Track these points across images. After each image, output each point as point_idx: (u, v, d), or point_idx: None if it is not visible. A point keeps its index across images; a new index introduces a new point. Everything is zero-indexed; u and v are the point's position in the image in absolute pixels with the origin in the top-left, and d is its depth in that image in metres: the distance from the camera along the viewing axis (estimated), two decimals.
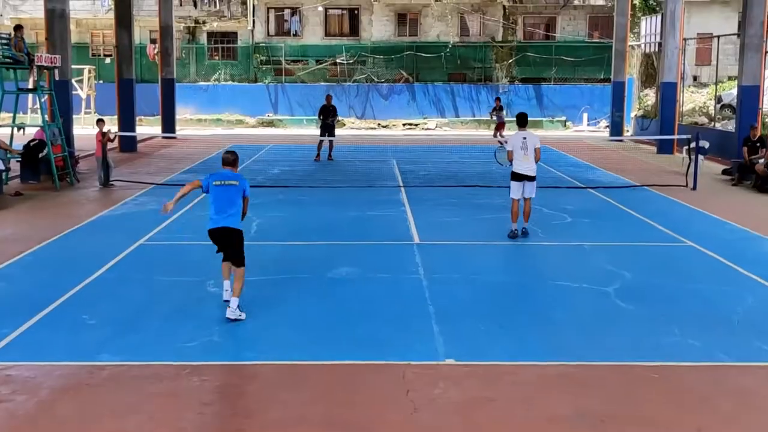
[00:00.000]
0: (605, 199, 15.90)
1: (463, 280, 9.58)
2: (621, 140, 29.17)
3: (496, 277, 9.81)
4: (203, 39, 39.47)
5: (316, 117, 23.40)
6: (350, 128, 36.28)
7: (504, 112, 26.56)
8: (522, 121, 11.87)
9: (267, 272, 9.88)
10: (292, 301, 8.72)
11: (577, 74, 38.11)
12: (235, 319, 7.93)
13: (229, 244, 8.25)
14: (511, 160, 11.73)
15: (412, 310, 8.37)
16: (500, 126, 26.29)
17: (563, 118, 36.88)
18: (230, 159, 8.43)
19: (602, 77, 37.19)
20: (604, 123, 35.71)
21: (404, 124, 36.97)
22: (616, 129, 30.37)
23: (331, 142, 22.37)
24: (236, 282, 8.13)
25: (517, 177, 11.71)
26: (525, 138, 11.62)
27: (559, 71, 38.11)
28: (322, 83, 38.24)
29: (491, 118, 26.34)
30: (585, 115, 36.61)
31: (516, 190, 11.76)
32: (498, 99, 27.04)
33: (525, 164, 11.61)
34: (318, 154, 22.36)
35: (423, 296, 8.86)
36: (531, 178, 11.70)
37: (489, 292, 9.13)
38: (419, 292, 9.00)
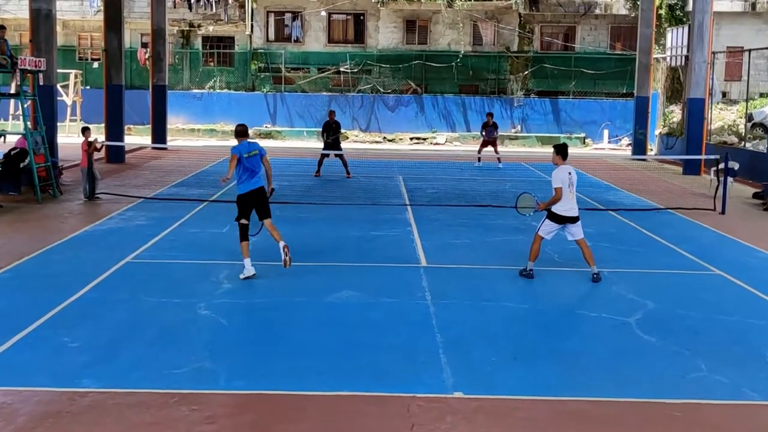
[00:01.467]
0: (627, 222, 15.91)
1: (474, 306, 9.58)
2: (644, 159, 29.22)
3: (509, 304, 9.80)
4: (198, 44, 39.73)
5: (320, 133, 23.59)
6: (354, 141, 36.39)
7: (497, 129, 26.49)
8: (565, 153, 10.89)
9: (262, 295, 9.89)
10: (288, 326, 8.72)
11: (598, 88, 38.26)
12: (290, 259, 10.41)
13: (263, 200, 10.81)
14: (556, 200, 10.59)
15: (419, 338, 8.36)
16: (487, 144, 26.12)
17: (582, 135, 36.98)
18: (245, 130, 11.05)
19: (624, 92, 37.33)
20: (626, 141, 35.79)
21: (411, 138, 37.10)
22: (639, 147, 30.43)
23: (342, 157, 22.45)
24: (275, 231, 10.71)
25: (559, 219, 10.77)
26: (570, 173, 10.76)
27: (578, 84, 38.27)
28: (325, 93, 38.44)
29: (482, 134, 26.39)
30: (606, 132, 36.71)
31: (550, 231, 10.84)
32: (490, 114, 26.99)
33: (570, 204, 10.71)
34: (318, 170, 22.45)
35: (430, 323, 8.85)
36: (575, 220, 10.83)
37: (501, 320, 9.12)
38: (426, 319, 9.00)
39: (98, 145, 17.67)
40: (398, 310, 9.35)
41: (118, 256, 11.70)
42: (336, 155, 22.47)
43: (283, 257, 10.54)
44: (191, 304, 9.37)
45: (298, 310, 9.32)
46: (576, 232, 10.83)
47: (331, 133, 22.42)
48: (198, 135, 36.59)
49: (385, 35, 39.27)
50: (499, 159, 26.02)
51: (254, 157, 10.86)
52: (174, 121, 36.08)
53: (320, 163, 22.62)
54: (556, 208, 10.69)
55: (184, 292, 9.91)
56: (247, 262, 10.59)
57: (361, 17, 39.50)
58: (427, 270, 11.42)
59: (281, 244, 10.62)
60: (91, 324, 8.61)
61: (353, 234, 14.06)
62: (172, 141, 33.05)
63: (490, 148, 26.07)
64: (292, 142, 35.27)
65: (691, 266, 12.18)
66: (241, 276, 10.54)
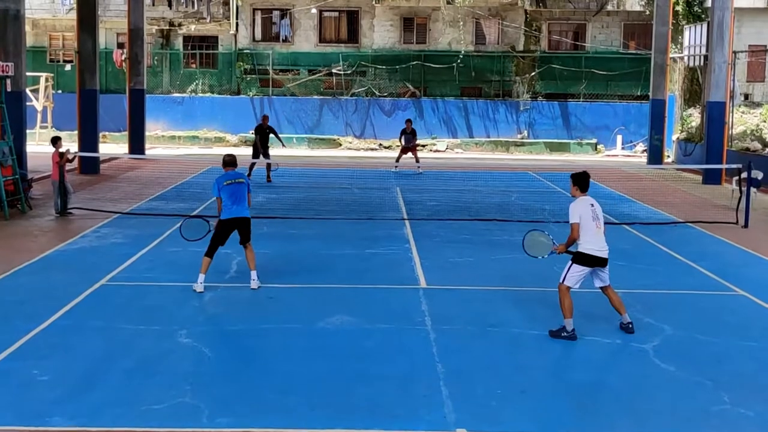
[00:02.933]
0: (642, 237, 15.91)
1: (478, 333, 9.56)
2: (661, 168, 29.26)
3: (516, 329, 9.77)
4: (178, 44, 39.79)
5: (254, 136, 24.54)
6: (347, 149, 36.42)
7: (415, 136, 26.71)
8: (585, 184, 9.66)
9: (248, 321, 9.86)
10: (277, 355, 8.69)
11: (610, 90, 38.34)
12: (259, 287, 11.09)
13: (246, 229, 11.40)
14: (574, 239, 9.43)
15: (418, 368, 8.33)
16: (406, 151, 26.42)
17: (594, 141, 37.03)
18: (232, 160, 11.65)
19: (639, 94, 37.42)
20: (641, 147, 35.85)
21: None
22: (655, 154, 30.48)
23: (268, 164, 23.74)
24: (252, 258, 11.38)
25: (589, 261, 9.42)
26: (593, 204, 9.52)
27: (590, 86, 38.35)
28: (316, 97, 38.48)
29: (400, 141, 26.74)
30: (619, 138, 36.76)
31: (579, 278, 9.47)
32: (409, 121, 27.18)
33: (600, 242, 9.42)
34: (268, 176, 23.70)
35: (430, 352, 8.83)
36: (605, 262, 9.52)
37: (508, 348, 9.10)
38: (426, 348, 8.97)
39: (70, 156, 17.65)
40: (396, 337, 9.32)
41: (91, 278, 11.66)
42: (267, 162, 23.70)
43: (251, 285, 11.32)
44: (171, 332, 9.33)
45: (287, 337, 9.29)
46: (605, 277, 9.68)
47: (265, 137, 23.79)
48: (179, 143, 36.59)
49: (380, 34, 39.37)
50: (419, 166, 26.42)
51: (237, 185, 11.35)
52: (153, 128, 36.08)
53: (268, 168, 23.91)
54: (586, 247, 9.38)
55: (163, 318, 9.87)
56: (201, 277, 11.15)
57: (355, 15, 39.58)
58: (427, 292, 11.40)
59: (253, 273, 11.39)
60: (62, 355, 8.57)
61: (347, 252, 14.04)
62: (151, 149, 33.03)
63: (410, 155, 26.58)
64: (281, 150, 35.23)
65: (713, 286, 12.17)
66: (195, 288, 11.11)
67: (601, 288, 9.79)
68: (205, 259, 11.24)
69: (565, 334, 9.40)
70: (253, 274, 11.39)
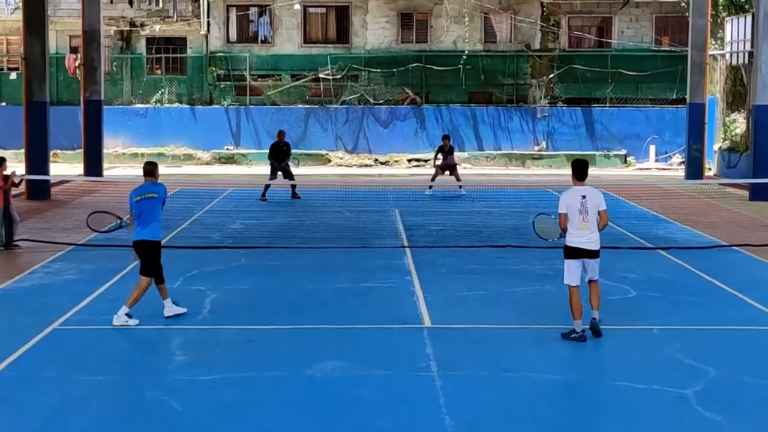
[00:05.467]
0: (681, 264, 15.93)
1: (492, 379, 9.56)
2: (701, 183, 29.30)
3: (536, 374, 9.76)
4: (141, 47, 39.93)
5: (268, 157, 25.49)
6: (337, 165, 36.48)
7: (453, 153, 26.84)
8: (581, 172, 11.08)
9: (224, 369, 9.84)
10: (258, 409, 8.68)
11: (641, 93, 38.50)
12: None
13: (149, 257, 11.53)
14: (564, 229, 11.01)
15: (422, 422, 8.32)
16: (444, 170, 26.48)
17: (623, 152, 37.15)
18: (149, 169, 11.95)
19: (674, 97, 37.53)
20: (677, 159, 35.95)
21: (410, 160, 37.24)
22: (694, 167, 30.53)
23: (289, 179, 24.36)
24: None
25: (574, 253, 10.91)
26: (585, 196, 10.90)
27: (617, 89, 38.50)
28: (300, 106, 38.61)
29: (435, 160, 26.91)
30: (652, 149, 36.88)
31: (574, 272, 10.94)
32: (447, 137, 27.14)
33: (585, 233, 10.83)
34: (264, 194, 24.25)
35: (436, 402, 8.81)
36: (593, 254, 10.94)
37: (526, 396, 9.09)
38: (431, 397, 8.95)
39: (16, 180, 17.66)
40: (396, 386, 9.31)
41: (42, 321, 11.62)
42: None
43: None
44: (136, 384, 9.33)
45: (270, 387, 9.28)
46: (594, 269, 11.04)
47: (283, 156, 24.56)
48: (142, 161, 36.41)
49: (375, 33, 39.55)
50: (460, 185, 26.35)
51: (145, 201, 11.61)
52: (112, 144, 36.16)
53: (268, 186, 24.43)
54: (569, 240, 10.94)
55: (126, 367, 9.87)
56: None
57: (345, 11, 39.74)
58: (432, 332, 11.38)
59: (165, 301, 11.76)
60: (8, 412, 8.56)
61: (338, 286, 14.02)
62: (110, 170, 33.08)
63: (446, 173, 26.60)
64: (261, 168, 35.30)
65: (763, 320, 12.18)
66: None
67: (588, 281, 11.05)
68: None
69: (574, 335, 10.75)
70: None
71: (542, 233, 11.90)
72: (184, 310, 11.81)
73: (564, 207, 10.90)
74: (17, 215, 17.58)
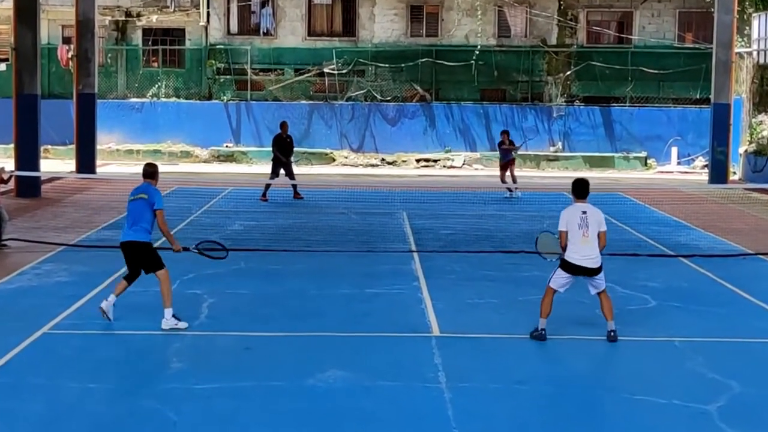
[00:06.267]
0: (703, 272, 15.90)
1: (503, 391, 9.55)
2: (726, 188, 29.24)
3: (550, 388, 9.76)
4: (137, 38, 39.98)
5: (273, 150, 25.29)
6: (342, 165, 36.47)
7: (516, 146, 26.96)
8: (582, 191, 11.46)
9: (222, 378, 9.83)
10: (257, 420, 8.68)
11: (663, 92, 38.45)
12: (172, 329, 11.30)
13: (137, 258, 11.75)
14: (564, 247, 11.30)
15: None
16: (505, 168, 26.54)
17: (643, 155, 37.11)
18: (147, 171, 12.08)
19: (698, 97, 37.49)
20: (700, 162, 35.89)
21: (419, 161, 37.22)
22: (719, 171, 30.44)
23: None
24: (162, 288, 11.57)
25: (572, 269, 11.28)
26: (585, 213, 11.27)
27: (637, 88, 38.46)
28: (304, 101, 38.62)
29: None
30: (674, 151, 36.82)
31: (562, 283, 11.42)
32: (506, 132, 27.18)
33: (585, 250, 11.17)
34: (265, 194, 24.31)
35: (445, 416, 8.81)
36: (593, 272, 11.28)
37: (539, 410, 9.09)
38: (440, 410, 8.94)
39: (5, 176, 17.71)
40: (403, 398, 9.29)
41: (31, 325, 11.61)
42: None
43: (163, 321, 11.55)
44: (129, 392, 9.33)
45: (269, 397, 9.27)
46: (599, 284, 11.37)
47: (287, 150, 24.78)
48: (137, 158, 36.61)
49: (382, 26, 39.55)
50: (514, 187, 26.27)
51: (137, 202, 11.76)
52: (106, 140, 36.22)
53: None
54: (569, 255, 11.24)
55: (119, 374, 9.87)
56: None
57: (352, 2, 39.77)
58: (441, 341, 11.37)
59: (166, 310, 11.63)
60: None
61: (342, 292, 14.01)
62: (104, 167, 33.10)
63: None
64: (261, 167, 35.33)
65: None
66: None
67: (597, 293, 11.45)
68: (122, 281, 12.09)
69: (535, 334, 11.35)
70: (166, 312, 11.57)
71: (543, 248, 11.93)
72: (185, 324, 11.65)
73: (564, 224, 11.28)
74: (6, 213, 17.59)
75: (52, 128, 32.81)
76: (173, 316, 11.51)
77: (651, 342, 11.53)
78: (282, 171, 24.60)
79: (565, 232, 11.22)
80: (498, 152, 27.06)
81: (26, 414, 8.74)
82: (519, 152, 28.47)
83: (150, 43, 40.01)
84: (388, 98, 38.69)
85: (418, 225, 20.72)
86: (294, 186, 24.72)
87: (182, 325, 11.48)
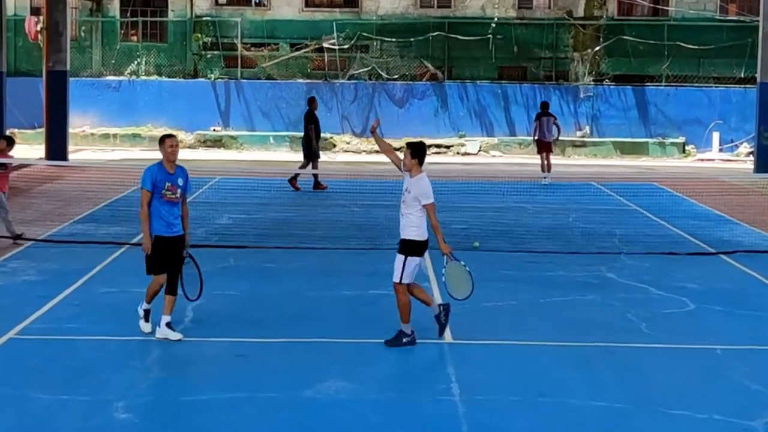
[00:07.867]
0: (748, 272, 15.90)
1: (524, 405, 9.55)
2: None
3: (575, 401, 9.74)
4: (114, 9, 39.98)
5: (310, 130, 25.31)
6: (344, 151, 36.43)
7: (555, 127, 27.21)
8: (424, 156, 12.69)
9: (209, 388, 9.85)
10: None
11: (703, 71, 38.39)
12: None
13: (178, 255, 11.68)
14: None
15: None
16: (542, 148, 26.82)
17: (681, 140, 37.06)
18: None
19: (743, 76, 37.43)
20: (745, 149, 35.83)
21: (429, 146, 37.11)
22: (765, 158, 30.39)
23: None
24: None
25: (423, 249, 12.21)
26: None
27: (674, 66, 38.41)
28: (301, 80, 38.61)
29: (534, 137, 27.22)
30: (715, 136, 36.77)
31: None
32: (545, 103, 27.51)
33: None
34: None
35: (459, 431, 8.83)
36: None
37: (564, 426, 9.08)
38: (453, 426, 8.95)
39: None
40: (411, 411, 9.31)
41: None
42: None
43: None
44: (104, 403, 9.31)
45: (262, 411, 9.28)
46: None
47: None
48: (114, 143, 36.73)
49: None
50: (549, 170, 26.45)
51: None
52: (79, 123, 36.23)
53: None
54: (422, 233, 12.17)
55: (93, 384, 9.86)
56: (164, 319, 11.38)
57: None
58: (454, 349, 11.39)
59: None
60: None
61: (343, 293, 14.05)
62: (77, 153, 33.12)
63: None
64: (254, 153, 35.34)
65: None
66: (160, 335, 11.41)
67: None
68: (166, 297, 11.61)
69: (406, 339, 11.32)
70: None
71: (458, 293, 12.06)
72: (179, 336, 11.49)
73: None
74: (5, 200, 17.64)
75: (19, 110, 32.77)
76: (167, 323, 11.39)
77: (689, 350, 11.52)
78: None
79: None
80: (533, 133, 27.06)
81: None
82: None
83: (128, 14, 39.96)
84: (395, 77, 38.67)
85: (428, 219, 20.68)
86: (315, 176, 24.84)
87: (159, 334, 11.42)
